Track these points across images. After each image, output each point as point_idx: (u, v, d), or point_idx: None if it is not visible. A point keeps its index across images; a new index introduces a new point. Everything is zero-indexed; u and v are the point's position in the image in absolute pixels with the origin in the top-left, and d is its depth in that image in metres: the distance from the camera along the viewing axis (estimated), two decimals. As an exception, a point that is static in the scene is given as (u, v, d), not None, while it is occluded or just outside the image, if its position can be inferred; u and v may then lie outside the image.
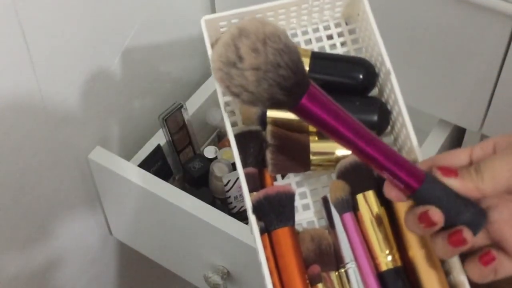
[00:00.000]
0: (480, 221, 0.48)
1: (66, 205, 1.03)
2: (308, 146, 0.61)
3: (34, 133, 0.90)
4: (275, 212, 0.56)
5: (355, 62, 0.64)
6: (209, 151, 1.10)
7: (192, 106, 1.12)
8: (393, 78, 0.60)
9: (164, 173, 1.07)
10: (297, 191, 0.62)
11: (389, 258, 0.55)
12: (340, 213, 0.58)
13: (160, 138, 1.07)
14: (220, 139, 1.20)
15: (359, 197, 0.57)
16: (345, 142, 0.48)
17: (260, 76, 0.45)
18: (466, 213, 0.48)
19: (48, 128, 0.92)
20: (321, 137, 0.62)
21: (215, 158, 1.09)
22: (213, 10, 1.13)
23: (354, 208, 0.58)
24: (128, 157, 1.05)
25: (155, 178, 0.98)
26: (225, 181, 1.03)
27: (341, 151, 0.61)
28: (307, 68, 0.63)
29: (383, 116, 0.61)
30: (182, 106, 1.06)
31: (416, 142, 0.57)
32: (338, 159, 0.60)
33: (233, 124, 0.64)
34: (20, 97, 0.85)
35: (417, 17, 0.89)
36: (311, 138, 0.61)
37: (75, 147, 0.99)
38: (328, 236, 0.58)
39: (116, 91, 1.02)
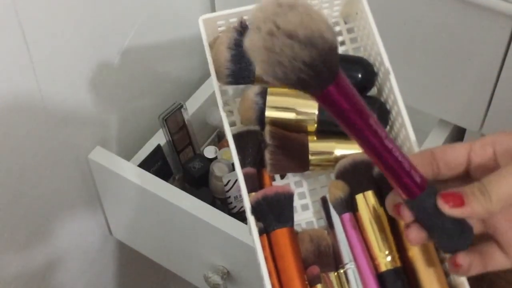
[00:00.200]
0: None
1: (66, 205, 1.03)
2: (307, 146, 0.61)
3: (34, 133, 0.90)
4: (274, 213, 0.56)
5: (354, 61, 0.64)
6: (209, 151, 1.10)
7: (192, 106, 1.12)
8: (392, 77, 0.60)
9: (164, 173, 1.07)
10: (296, 191, 0.62)
11: (389, 258, 0.55)
12: (339, 214, 0.57)
13: (160, 138, 1.07)
14: (220, 139, 1.20)
15: (359, 197, 0.57)
16: (363, 140, 0.46)
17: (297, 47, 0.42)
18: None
19: (48, 128, 0.92)
20: (320, 137, 0.62)
21: (215, 158, 1.09)
22: (213, 10, 1.13)
23: (353, 208, 0.57)
24: (128, 157, 1.05)
25: (155, 178, 0.98)
26: (225, 181, 1.03)
27: (340, 151, 0.61)
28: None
29: (382, 116, 0.61)
30: (182, 106, 1.06)
31: (415, 142, 0.57)
32: (337, 159, 0.60)
33: (232, 124, 0.64)
34: (20, 97, 0.85)
35: (417, 16, 0.89)
36: (310, 138, 0.61)
37: (75, 147, 0.99)
38: (327, 237, 0.58)
39: (116, 91, 1.02)
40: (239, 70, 0.61)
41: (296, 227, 0.58)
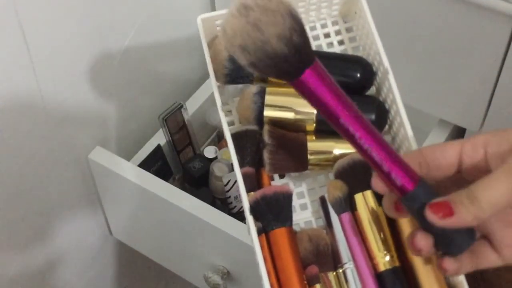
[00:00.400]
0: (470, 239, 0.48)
1: (66, 205, 1.03)
2: (305, 146, 0.61)
3: (34, 133, 0.90)
4: (273, 212, 0.56)
5: (353, 60, 0.64)
6: (209, 151, 1.10)
7: (192, 106, 1.12)
8: (391, 77, 0.60)
9: (164, 173, 1.07)
10: (295, 191, 0.62)
11: (387, 258, 0.55)
12: (338, 213, 0.57)
13: (160, 138, 1.07)
14: (220, 139, 1.20)
15: (357, 197, 0.57)
16: (343, 128, 0.45)
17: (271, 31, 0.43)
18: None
19: (48, 128, 0.92)
20: (319, 136, 0.62)
21: (215, 158, 1.09)
22: (214, 10, 1.13)
23: (352, 208, 0.57)
24: (128, 157, 1.05)
25: (155, 178, 0.98)
26: (225, 181, 1.03)
27: (339, 151, 0.61)
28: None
29: (381, 115, 0.61)
30: (182, 106, 1.06)
31: (414, 142, 0.57)
32: (336, 159, 0.60)
33: (230, 124, 0.64)
34: (20, 97, 0.85)
35: (416, 16, 0.89)
36: (308, 137, 0.61)
37: (75, 147, 0.99)
38: (326, 236, 0.58)
39: (116, 91, 1.02)
40: (238, 70, 0.61)
41: (294, 227, 0.58)
